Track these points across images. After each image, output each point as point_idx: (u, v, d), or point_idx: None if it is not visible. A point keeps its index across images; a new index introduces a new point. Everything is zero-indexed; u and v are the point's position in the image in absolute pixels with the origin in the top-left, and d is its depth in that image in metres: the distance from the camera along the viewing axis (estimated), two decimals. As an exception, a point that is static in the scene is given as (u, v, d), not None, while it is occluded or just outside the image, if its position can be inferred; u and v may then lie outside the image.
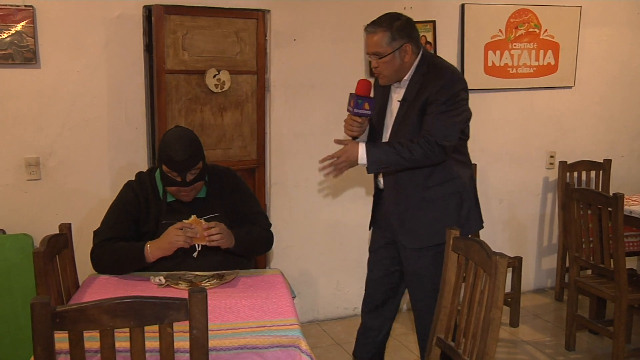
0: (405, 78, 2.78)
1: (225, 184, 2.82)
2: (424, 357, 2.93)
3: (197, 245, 2.61)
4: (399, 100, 2.80)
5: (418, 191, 2.78)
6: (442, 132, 2.62)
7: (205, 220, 2.62)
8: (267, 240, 2.83)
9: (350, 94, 2.77)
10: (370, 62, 2.87)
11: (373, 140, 2.89)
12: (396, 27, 2.67)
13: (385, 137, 2.85)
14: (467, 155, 2.90)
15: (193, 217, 2.59)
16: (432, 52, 2.82)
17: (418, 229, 2.81)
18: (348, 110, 2.78)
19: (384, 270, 3.02)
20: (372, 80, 2.84)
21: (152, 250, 2.56)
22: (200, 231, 2.54)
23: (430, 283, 2.78)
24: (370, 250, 3.11)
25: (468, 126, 2.82)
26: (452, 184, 2.79)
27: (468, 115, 2.77)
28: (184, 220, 2.58)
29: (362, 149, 2.66)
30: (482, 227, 2.98)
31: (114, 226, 2.67)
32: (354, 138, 2.84)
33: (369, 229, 3.13)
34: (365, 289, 3.13)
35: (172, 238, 2.53)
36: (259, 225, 2.80)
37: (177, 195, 2.69)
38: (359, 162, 2.68)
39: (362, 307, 3.16)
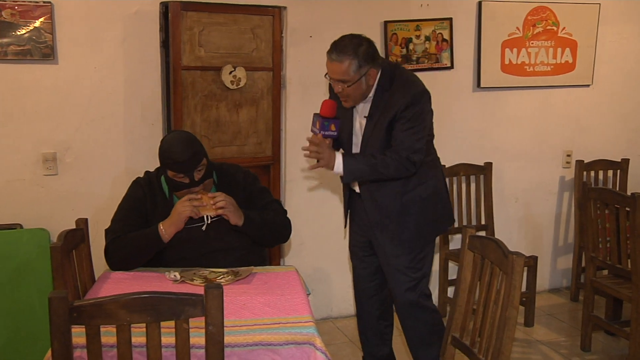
0: (370, 95, 2.81)
1: (235, 180, 2.82)
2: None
3: (205, 218, 2.64)
4: (365, 117, 2.84)
5: (397, 198, 2.88)
6: (412, 147, 2.72)
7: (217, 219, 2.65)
8: (282, 224, 2.83)
9: (315, 114, 2.78)
10: (330, 84, 2.87)
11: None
12: (362, 53, 2.67)
13: (354, 151, 2.93)
14: (434, 154, 2.99)
15: (201, 191, 2.64)
16: (386, 60, 2.86)
17: (400, 234, 2.90)
18: (313, 131, 2.80)
19: (368, 264, 3.14)
20: (335, 101, 2.81)
21: (166, 228, 2.58)
22: (206, 200, 2.58)
23: (405, 291, 2.93)
24: (351, 249, 3.23)
25: (432, 126, 2.90)
26: (426, 186, 2.90)
27: (430, 121, 2.85)
28: (190, 194, 2.62)
29: (339, 158, 2.72)
30: (453, 223, 3.17)
31: (124, 223, 2.68)
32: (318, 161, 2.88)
33: (345, 227, 3.25)
34: (354, 286, 3.24)
35: (180, 209, 2.57)
36: (274, 211, 2.82)
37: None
38: (335, 170, 2.73)
39: (356, 303, 3.28)
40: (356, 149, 2.92)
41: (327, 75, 2.77)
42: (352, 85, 2.70)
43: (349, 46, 2.67)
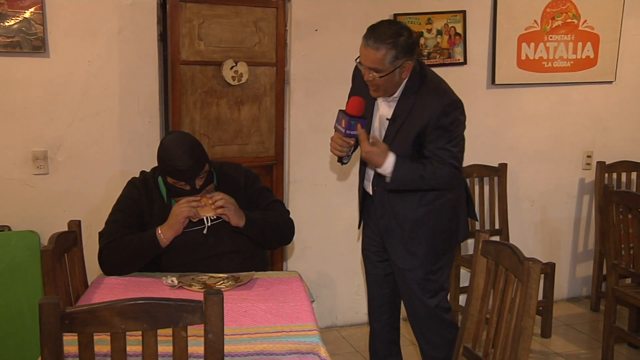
0: (395, 95, 2.78)
1: (236, 182, 2.83)
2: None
3: (205, 220, 2.65)
4: (387, 119, 2.80)
5: (414, 209, 2.85)
6: (455, 157, 2.70)
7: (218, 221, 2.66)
8: (285, 225, 2.84)
9: (341, 111, 2.74)
10: (356, 72, 2.84)
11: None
12: (401, 44, 2.62)
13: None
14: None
15: (201, 194, 2.64)
16: (420, 62, 2.81)
17: (410, 245, 2.88)
18: (337, 129, 2.76)
19: (381, 270, 3.11)
20: (364, 100, 2.78)
21: (164, 231, 2.59)
22: (205, 201, 2.59)
23: (421, 304, 2.93)
24: (364, 252, 3.21)
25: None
26: (445, 200, 2.87)
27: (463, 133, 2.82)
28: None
29: (391, 158, 2.67)
30: (467, 238, 3.17)
31: (119, 225, 2.68)
32: (340, 158, 2.88)
33: (358, 227, 3.24)
34: (367, 292, 3.23)
35: (177, 210, 2.58)
36: (276, 211, 2.83)
37: None
38: (381, 171, 2.70)
39: (368, 310, 3.26)
40: None
41: (358, 60, 2.72)
42: (385, 76, 2.65)
43: (389, 33, 2.62)
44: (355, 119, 2.69)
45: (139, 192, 2.75)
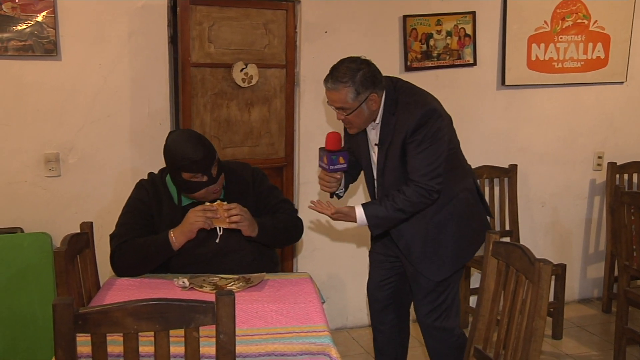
0: (377, 122, 2.80)
1: (243, 180, 2.86)
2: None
3: (218, 229, 2.67)
4: (375, 144, 2.84)
5: (425, 222, 2.85)
6: (429, 174, 2.69)
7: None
8: (295, 226, 2.87)
9: (321, 149, 2.81)
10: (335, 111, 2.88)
11: (369, 179, 2.96)
12: (359, 80, 2.64)
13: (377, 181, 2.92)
14: (462, 164, 2.95)
15: (218, 201, 2.65)
16: (388, 80, 2.83)
17: (437, 260, 2.87)
18: (321, 167, 2.84)
19: (387, 270, 3.11)
20: (339, 133, 2.84)
21: (176, 235, 2.61)
22: (221, 212, 2.59)
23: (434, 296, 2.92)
24: (371, 255, 3.20)
25: (455, 133, 2.88)
26: (457, 200, 2.87)
27: (448, 135, 2.78)
28: (206, 203, 2.64)
29: (360, 212, 2.74)
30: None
31: (130, 227, 2.70)
32: (333, 193, 2.92)
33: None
34: (368, 295, 3.21)
35: (192, 219, 2.59)
36: (285, 213, 2.84)
37: (206, 197, 2.70)
38: (358, 223, 2.75)
39: (370, 313, 3.24)
40: (376, 176, 2.92)
41: (328, 102, 2.77)
42: (352, 112, 2.70)
43: (346, 73, 2.65)
44: (336, 153, 2.78)
45: (147, 193, 2.77)
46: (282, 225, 2.79)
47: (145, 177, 2.88)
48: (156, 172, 2.89)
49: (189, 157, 2.59)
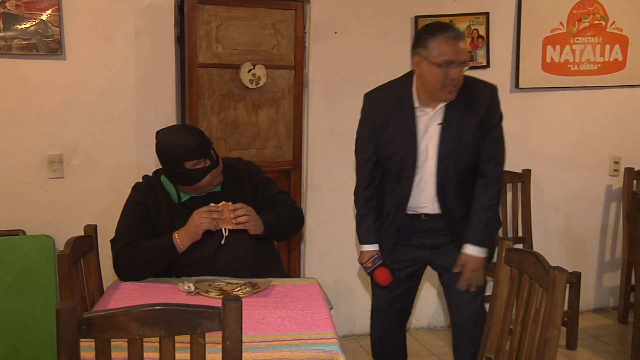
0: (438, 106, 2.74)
1: (239, 174, 2.88)
2: None
3: (224, 230, 2.67)
4: (439, 124, 2.73)
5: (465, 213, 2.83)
6: (501, 161, 2.81)
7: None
8: (296, 217, 2.90)
9: (366, 268, 2.96)
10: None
11: (406, 172, 2.80)
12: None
13: (425, 163, 2.77)
14: None
15: (223, 202, 2.65)
16: None
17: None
18: (364, 266, 2.97)
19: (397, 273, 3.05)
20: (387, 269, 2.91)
21: (181, 238, 2.62)
22: (227, 213, 2.60)
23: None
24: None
25: None
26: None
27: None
28: (211, 204, 2.64)
29: (476, 250, 2.78)
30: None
31: (131, 230, 2.71)
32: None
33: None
34: (373, 295, 3.18)
35: (197, 221, 2.59)
36: (284, 205, 2.87)
37: (211, 183, 2.73)
38: (479, 254, 2.78)
39: (372, 310, 3.19)
40: (428, 161, 2.77)
41: (444, 65, 2.58)
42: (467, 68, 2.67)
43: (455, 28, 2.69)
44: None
45: (144, 195, 2.79)
46: (285, 218, 2.83)
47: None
48: (150, 175, 2.92)
49: (188, 145, 2.63)
